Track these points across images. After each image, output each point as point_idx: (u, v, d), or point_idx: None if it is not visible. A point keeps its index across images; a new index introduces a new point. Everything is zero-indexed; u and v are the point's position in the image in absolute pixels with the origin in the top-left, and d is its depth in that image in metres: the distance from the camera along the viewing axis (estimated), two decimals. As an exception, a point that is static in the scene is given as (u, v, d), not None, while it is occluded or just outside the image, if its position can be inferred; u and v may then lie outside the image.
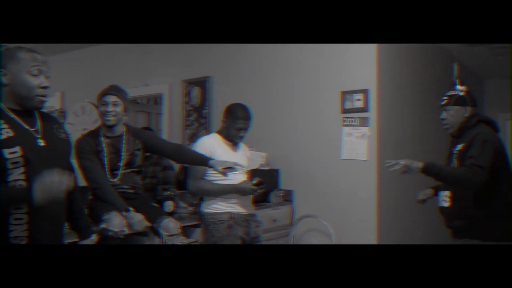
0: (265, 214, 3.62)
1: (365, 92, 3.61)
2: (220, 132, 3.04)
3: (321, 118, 3.85)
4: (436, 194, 2.79)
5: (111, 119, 2.70)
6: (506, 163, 2.52)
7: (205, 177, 2.94)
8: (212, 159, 2.75)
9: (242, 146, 3.15)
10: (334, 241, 3.58)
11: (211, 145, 2.94)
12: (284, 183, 4.01)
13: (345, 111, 3.72)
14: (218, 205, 2.93)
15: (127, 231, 2.49)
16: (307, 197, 3.90)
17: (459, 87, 2.66)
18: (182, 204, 3.25)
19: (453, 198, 2.55)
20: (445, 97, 2.66)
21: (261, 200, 3.69)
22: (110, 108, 2.69)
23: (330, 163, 3.78)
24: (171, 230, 2.62)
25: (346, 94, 3.71)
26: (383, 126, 3.67)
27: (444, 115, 2.65)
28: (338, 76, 3.77)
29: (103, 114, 2.71)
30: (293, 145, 4.00)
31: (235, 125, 2.94)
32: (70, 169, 1.97)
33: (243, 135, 3.00)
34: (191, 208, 3.25)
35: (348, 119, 3.70)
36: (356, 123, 3.66)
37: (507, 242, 2.36)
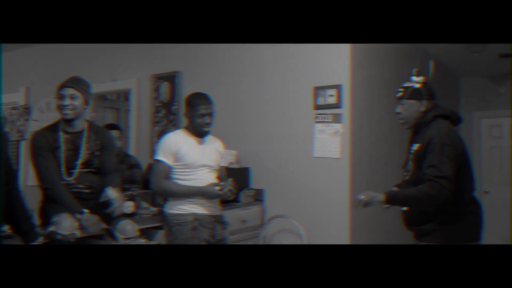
0: (234, 215, 3.47)
1: (338, 87, 3.48)
2: (187, 128, 2.87)
3: (293, 115, 3.72)
4: None
5: (69, 113, 2.54)
6: (467, 159, 2.34)
7: (171, 176, 2.77)
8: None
9: (214, 141, 2.97)
10: (305, 242, 3.45)
11: (176, 142, 2.78)
12: (255, 182, 3.87)
13: (317, 107, 3.59)
14: (183, 205, 2.77)
15: (78, 234, 2.31)
16: (278, 196, 3.76)
17: (414, 78, 2.39)
18: (144, 205, 3.07)
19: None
20: (401, 89, 2.43)
21: (230, 200, 3.53)
22: (67, 102, 2.53)
23: (302, 161, 3.65)
24: (127, 233, 2.46)
25: (318, 90, 3.58)
26: (357, 123, 3.55)
27: (398, 109, 2.42)
28: (311, 71, 3.64)
29: (60, 108, 2.55)
30: (264, 143, 3.86)
31: (197, 112, 2.76)
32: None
33: (209, 122, 2.81)
34: (154, 209, 3.07)
35: (321, 115, 3.57)
36: (328, 120, 3.53)
37: (471, 243, 2.25)
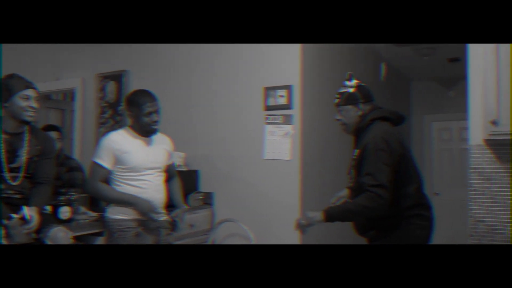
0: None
1: (288, 88, 3.41)
2: (132, 127, 2.69)
3: (243, 116, 3.62)
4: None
5: (33, 116, 2.41)
6: (408, 161, 2.24)
7: (115, 179, 2.61)
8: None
9: (162, 140, 2.82)
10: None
11: (117, 143, 2.61)
12: (204, 185, 3.74)
13: (268, 108, 3.51)
14: (125, 210, 2.61)
15: (4, 242, 2.12)
16: (228, 200, 3.65)
17: (347, 83, 2.33)
18: (83, 210, 2.89)
19: (346, 203, 2.33)
20: (337, 95, 2.36)
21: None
22: (34, 104, 2.40)
23: (252, 164, 3.56)
24: (59, 241, 2.27)
25: (269, 90, 3.50)
26: (307, 124, 3.49)
27: (338, 115, 2.36)
28: (261, 71, 3.56)
29: (24, 109, 2.36)
30: (214, 145, 3.74)
31: (144, 111, 2.60)
32: None
33: (157, 120, 2.65)
34: (94, 214, 2.89)
35: (271, 116, 3.49)
36: (279, 121, 3.45)
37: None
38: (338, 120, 2.36)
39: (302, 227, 2.22)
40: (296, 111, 3.40)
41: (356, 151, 2.26)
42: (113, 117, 4.25)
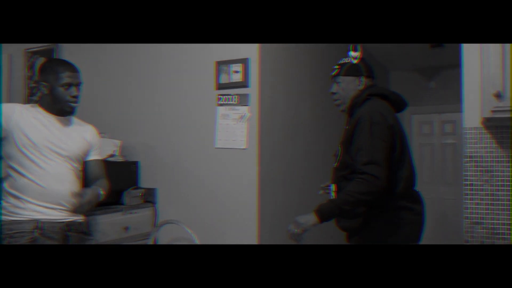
0: (113, 221, 2.73)
1: (244, 62, 2.83)
2: (42, 103, 2.16)
3: (191, 97, 3.03)
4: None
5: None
6: (404, 144, 1.98)
7: (15, 156, 2.06)
8: None
9: (83, 127, 2.30)
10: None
11: (20, 112, 2.08)
12: (145, 179, 3.14)
13: (220, 86, 2.92)
14: (19, 208, 2.03)
15: None
16: (173, 197, 3.05)
17: (352, 53, 2.14)
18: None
19: (338, 193, 1.99)
20: (336, 66, 2.16)
21: (110, 201, 2.79)
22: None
23: (202, 154, 2.97)
24: None
25: (222, 65, 2.91)
26: (267, 106, 2.91)
27: (334, 88, 2.14)
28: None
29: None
30: (156, 131, 3.13)
31: (61, 81, 2.12)
32: None
33: (76, 95, 2.16)
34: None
35: (224, 96, 2.90)
36: (233, 102, 2.87)
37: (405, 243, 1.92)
38: (333, 93, 2.15)
39: (296, 236, 1.91)
40: (253, 90, 2.82)
41: (347, 128, 2.01)
42: (43, 100, 3.63)
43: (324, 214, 1.86)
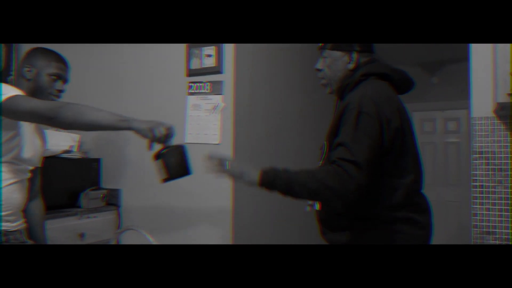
0: (64, 226, 2.38)
1: (218, 44, 2.47)
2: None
3: (158, 85, 2.68)
4: None
5: None
6: (409, 140, 1.61)
7: None
8: None
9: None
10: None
11: None
12: (107, 179, 2.78)
13: (191, 73, 2.56)
14: (9, 216, 1.79)
15: None
16: (139, 198, 2.69)
17: None
18: None
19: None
20: None
21: (62, 204, 2.44)
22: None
23: (171, 150, 2.60)
24: None
25: (193, 49, 2.55)
26: (244, 95, 2.56)
27: (320, 64, 1.71)
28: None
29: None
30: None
31: (49, 70, 1.88)
32: None
33: (61, 90, 1.95)
34: None
35: (195, 84, 2.54)
36: (206, 91, 2.51)
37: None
38: (318, 70, 1.73)
39: (218, 168, 1.62)
40: (228, 76, 2.46)
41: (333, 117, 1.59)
42: (1, 90, 3.27)
43: (269, 179, 1.49)
